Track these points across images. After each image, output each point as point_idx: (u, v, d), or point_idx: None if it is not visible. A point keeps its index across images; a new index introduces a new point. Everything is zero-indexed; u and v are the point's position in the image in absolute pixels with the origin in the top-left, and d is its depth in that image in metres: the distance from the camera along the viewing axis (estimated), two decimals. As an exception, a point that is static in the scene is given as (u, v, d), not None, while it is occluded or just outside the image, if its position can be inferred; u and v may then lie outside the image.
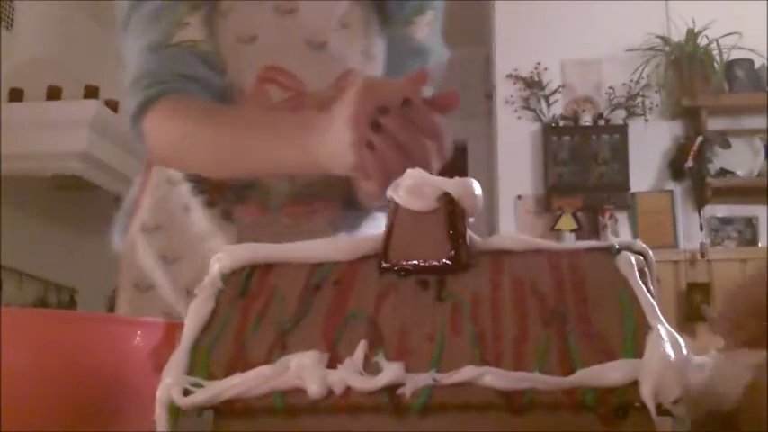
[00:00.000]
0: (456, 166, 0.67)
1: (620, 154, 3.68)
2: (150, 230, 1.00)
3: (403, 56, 1.01)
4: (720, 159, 3.60)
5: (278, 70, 0.93)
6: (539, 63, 3.74)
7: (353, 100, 0.67)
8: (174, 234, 0.97)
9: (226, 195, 0.95)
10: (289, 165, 0.81)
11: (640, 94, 3.70)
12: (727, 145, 3.62)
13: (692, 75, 3.59)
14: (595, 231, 3.60)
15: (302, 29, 0.95)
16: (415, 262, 0.44)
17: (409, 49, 1.02)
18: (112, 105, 3.20)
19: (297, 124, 0.80)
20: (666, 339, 0.37)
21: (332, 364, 0.38)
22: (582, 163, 3.70)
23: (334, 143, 0.70)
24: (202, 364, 0.40)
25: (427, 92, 0.72)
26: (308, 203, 0.95)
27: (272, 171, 0.88)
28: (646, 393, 0.35)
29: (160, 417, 0.39)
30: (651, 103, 3.70)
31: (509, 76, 3.79)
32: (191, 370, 0.40)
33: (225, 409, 0.38)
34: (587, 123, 3.74)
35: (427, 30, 1.03)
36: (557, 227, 3.63)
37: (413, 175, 0.46)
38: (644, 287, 0.41)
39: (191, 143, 0.87)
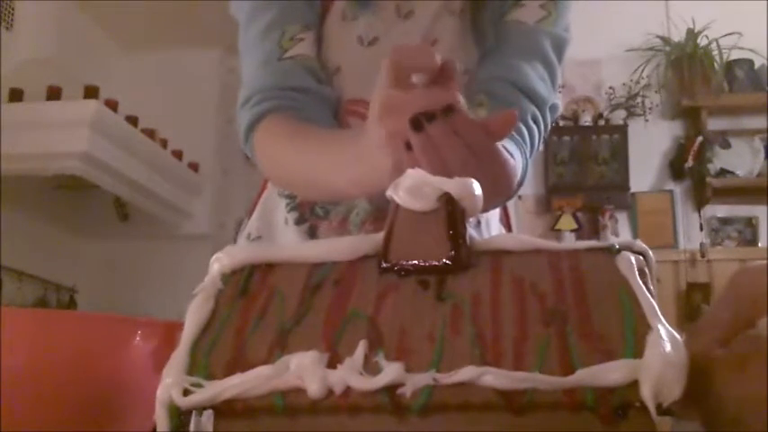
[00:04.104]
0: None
1: (620, 154, 3.68)
2: (252, 240, 1.01)
3: (509, 43, 0.92)
4: (720, 159, 3.61)
5: (361, 103, 0.91)
6: (539, 63, 3.73)
7: (375, 95, 0.60)
8: None
9: (314, 211, 0.95)
10: (346, 186, 0.75)
11: (640, 94, 3.70)
12: (727, 145, 3.63)
13: (692, 75, 3.59)
14: (595, 231, 3.60)
15: (383, 58, 0.92)
16: (415, 262, 0.44)
17: (515, 35, 0.92)
18: (112, 105, 3.20)
19: (348, 142, 0.74)
20: (666, 339, 0.37)
21: (332, 364, 0.38)
22: (582, 163, 3.70)
23: (370, 150, 0.63)
24: (202, 364, 0.40)
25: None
26: (385, 221, 0.92)
27: (339, 194, 0.84)
28: (646, 393, 0.35)
29: (160, 417, 0.39)
30: (651, 103, 3.70)
31: (509, 76, 3.78)
32: (191, 370, 0.40)
33: (225, 409, 0.38)
34: (587, 123, 3.74)
35: (541, 12, 0.93)
36: (557, 227, 3.63)
37: (413, 174, 0.46)
38: (644, 287, 0.41)
39: (280, 165, 0.86)
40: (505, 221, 1.06)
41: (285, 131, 0.85)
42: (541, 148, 0.93)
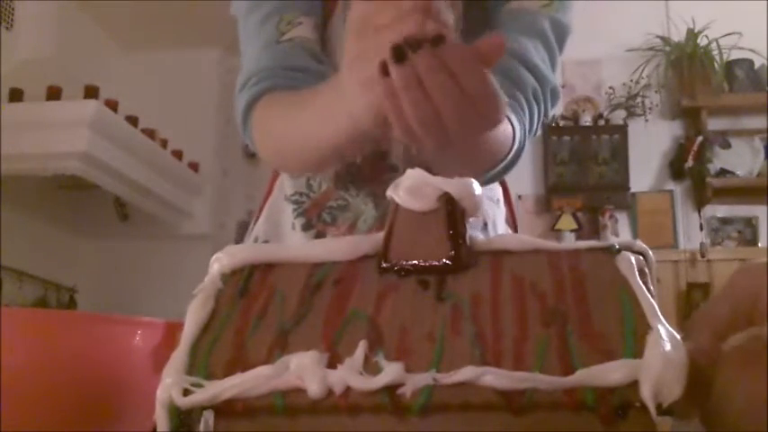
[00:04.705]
0: (456, 165, 0.63)
1: (620, 154, 3.68)
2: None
3: (509, 24, 0.89)
4: (720, 159, 3.61)
5: None
6: (539, 63, 3.73)
7: (352, 10, 0.54)
8: None
9: (321, 217, 0.94)
10: (332, 137, 0.69)
11: (640, 94, 3.70)
12: (727, 145, 3.63)
13: (692, 75, 3.59)
14: (595, 231, 3.60)
15: None
16: (415, 262, 0.44)
17: (515, 16, 0.89)
18: (112, 105, 3.20)
19: (332, 87, 0.69)
20: (666, 339, 0.37)
21: (332, 364, 0.38)
22: (582, 163, 3.70)
23: (348, 87, 0.58)
24: (202, 364, 0.40)
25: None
26: None
27: (332, 153, 0.76)
28: (646, 393, 0.35)
29: (160, 417, 0.39)
30: (651, 103, 3.70)
31: (509, 76, 3.78)
32: (191, 370, 0.40)
33: (225, 409, 0.38)
34: (587, 123, 3.74)
35: (542, 1, 0.90)
36: (557, 227, 3.63)
37: (413, 175, 0.46)
38: (644, 287, 0.41)
39: (274, 137, 0.83)
40: (512, 222, 1.06)
41: (282, 103, 0.82)
42: (539, 132, 0.89)
